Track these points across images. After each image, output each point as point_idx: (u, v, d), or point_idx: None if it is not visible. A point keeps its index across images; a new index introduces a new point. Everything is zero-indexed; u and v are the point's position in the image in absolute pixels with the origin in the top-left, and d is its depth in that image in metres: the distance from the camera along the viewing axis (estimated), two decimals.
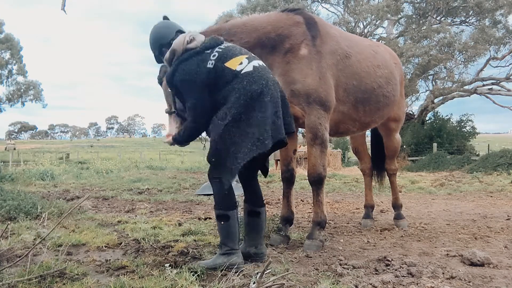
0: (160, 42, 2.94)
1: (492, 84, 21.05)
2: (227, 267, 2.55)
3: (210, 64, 2.67)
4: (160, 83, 3.12)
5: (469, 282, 2.42)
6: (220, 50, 2.74)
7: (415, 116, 21.63)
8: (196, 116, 2.73)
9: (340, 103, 3.48)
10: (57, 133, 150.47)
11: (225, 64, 2.68)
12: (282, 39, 3.31)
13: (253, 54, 2.91)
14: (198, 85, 2.67)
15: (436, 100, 21.45)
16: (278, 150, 3.15)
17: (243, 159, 2.56)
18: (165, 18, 3.17)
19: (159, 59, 3.03)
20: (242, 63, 2.71)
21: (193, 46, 2.75)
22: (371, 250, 3.27)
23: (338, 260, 2.86)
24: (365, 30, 20.68)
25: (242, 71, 2.67)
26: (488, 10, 18.72)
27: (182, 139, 2.89)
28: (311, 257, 3.01)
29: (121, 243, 3.37)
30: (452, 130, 20.01)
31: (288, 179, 3.59)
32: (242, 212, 3.03)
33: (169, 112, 3.04)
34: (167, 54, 2.80)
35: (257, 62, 2.79)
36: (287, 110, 2.84)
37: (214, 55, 2.71)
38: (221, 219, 2.68)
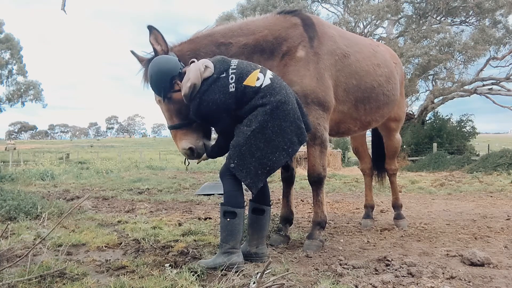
0: (172, 75, 2.92)
1: (492, 84, 21.09)
2: (227, 267, 2.55)
3: (232, 88, 2.74)
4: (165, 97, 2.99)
5: (469, 282, 2.42)
6: (234, 70, 2.80)
7: (415, 116, 21.64)
8: (228, 137, 2.82)
9: (340, 102, 3.48)
10: (57, 133, 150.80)
11: (244, 83, 2.75)
12: (280, 42, 3.30)
13: (259, 65, 2.97)
14: (225, 110, 2.76)
15: (436, 100, 21.48)
16: None
17: (272, 168, 2.74)
18: (150, 27, 3.08)
19: (165, 92, 2.95)
20: (259, 78, 2.79)
21: (209, 74, 2.79)
22: (371, 250, 3.27)
23: (338, 260, 2.86)
24: (365, 30, 20.69)
25: (262, 86, 2.77)
26: (488, 10, 18.74)
27: (216, 154, 3.04)
28: (311, 257, 3.01)
29: (121, 243, 3.37)
30: (452, 130, 20.02)
31: (288, 179, 3.59)
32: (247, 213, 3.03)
33: (187, 124, 3.03)
34: (187, 90, 2.77)
35: (270, 73, 2.88)
36: (303, 111, 2.94)
37: (231, 78, 2.76)
38: (227, 215, 2.70)
